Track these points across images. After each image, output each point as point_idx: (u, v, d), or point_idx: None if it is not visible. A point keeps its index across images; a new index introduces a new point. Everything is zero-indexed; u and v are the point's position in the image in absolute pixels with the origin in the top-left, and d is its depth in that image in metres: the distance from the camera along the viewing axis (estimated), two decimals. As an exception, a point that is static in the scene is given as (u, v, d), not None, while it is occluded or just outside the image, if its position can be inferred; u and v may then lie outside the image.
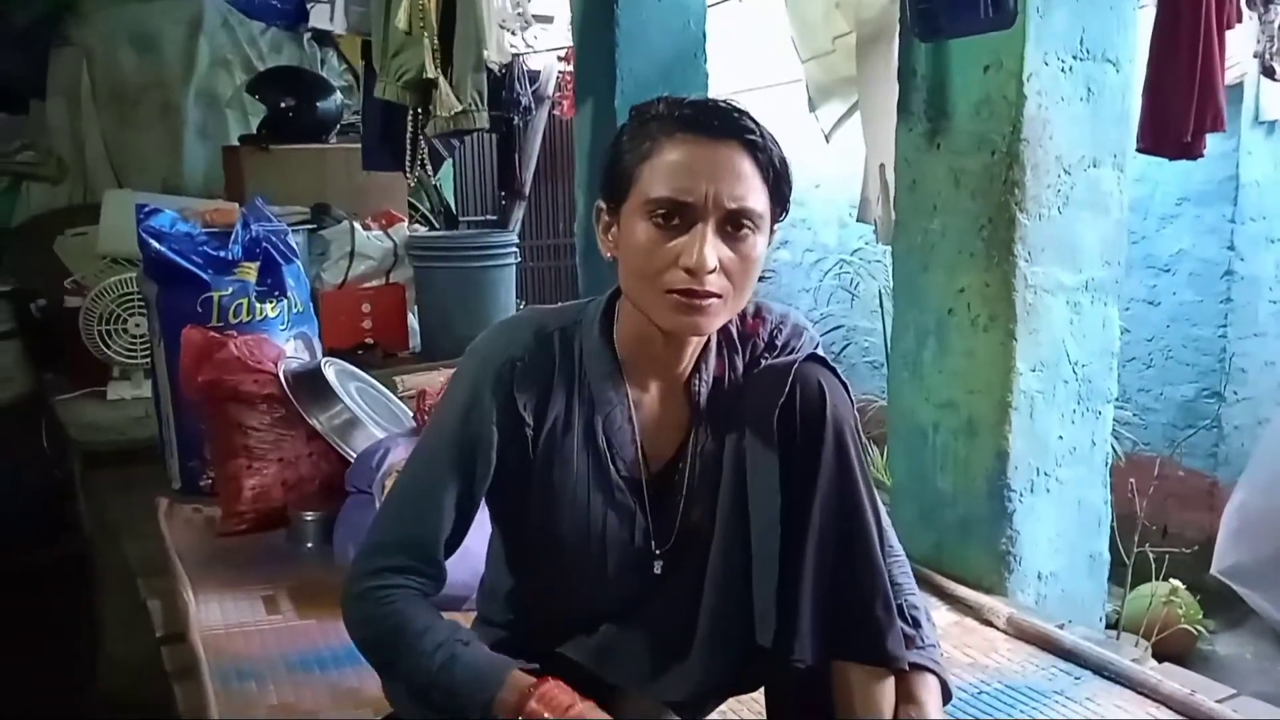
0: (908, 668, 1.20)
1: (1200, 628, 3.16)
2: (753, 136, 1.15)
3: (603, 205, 1.22)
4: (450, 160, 5.65)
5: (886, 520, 1.30)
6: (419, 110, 3.30)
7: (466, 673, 1.15)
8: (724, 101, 1.18)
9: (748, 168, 1.14)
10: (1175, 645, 2.90)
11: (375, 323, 3.87)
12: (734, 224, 1.14)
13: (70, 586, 3.03)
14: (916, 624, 1.25)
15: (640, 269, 1.15)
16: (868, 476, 1.22)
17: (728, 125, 1.14)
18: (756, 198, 1.15)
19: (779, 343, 1.31)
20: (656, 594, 1.29)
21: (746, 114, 1.17)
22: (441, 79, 3.18)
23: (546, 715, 1.11)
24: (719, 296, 1.14)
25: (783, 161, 1.18)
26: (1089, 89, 2.04)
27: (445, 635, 1.16)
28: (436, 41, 3.21)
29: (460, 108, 3.17)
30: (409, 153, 3.34)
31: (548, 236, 6.78)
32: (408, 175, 3.44)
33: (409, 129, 3.31)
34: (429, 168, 3.46)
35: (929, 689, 1.21)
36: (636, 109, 1.21)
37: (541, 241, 6.76)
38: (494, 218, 6.31)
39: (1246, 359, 3.73)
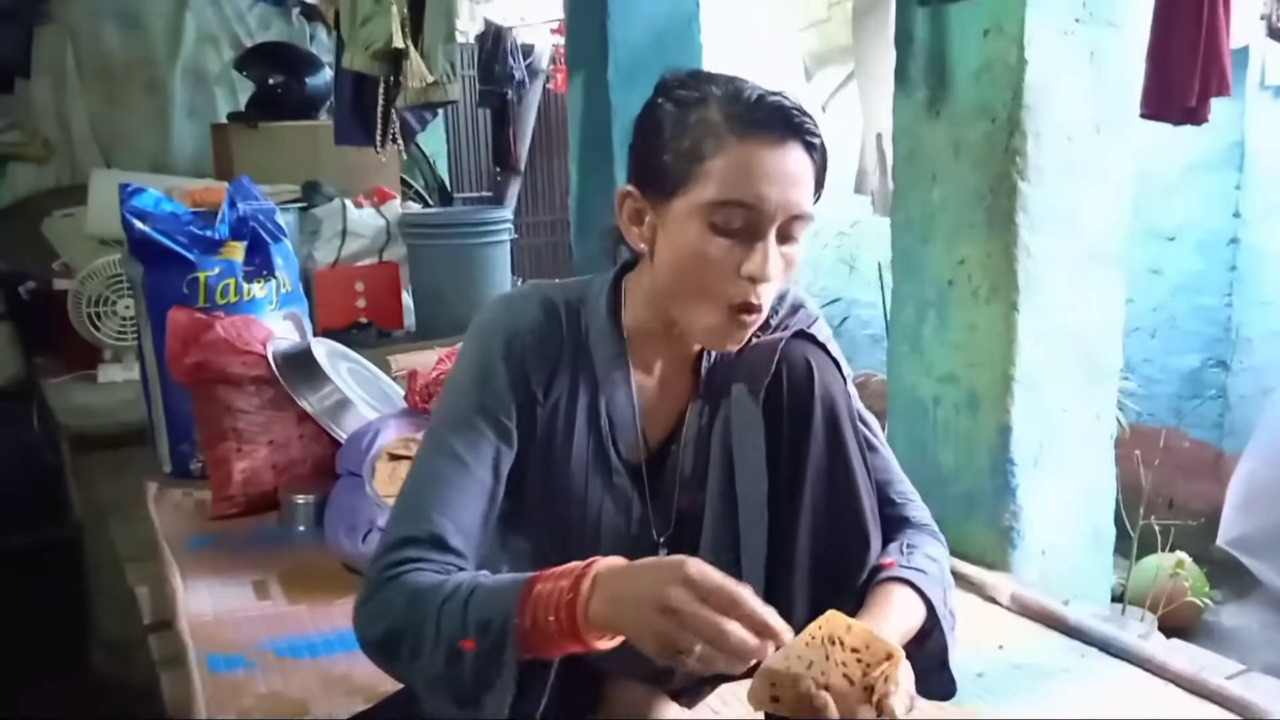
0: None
1: (1206, 600, 3.13)
2: (811, 137, 1.09)
3: (634, 192, 1.15)
4: (442, 135, 5.59)
5: (897, 472, 1.27)
6: (389, 81, 3.21)
7: (498, 587, 1.02)
8: (775, 94, 1.10)
9: (806, 170, 1.09)
10: (1181, 617, 2.87)
11: (369, 301, 3.83)
12: (789, 229, 1.10)
13: (62, 571, 3.00)
14: (906, 552, 1.19)
15: (696, 276, 1.09)
16: (863, 451, 1.18)
17: (790, 125, 1.08)
18: (810, 199, 1.10)
19: (773, 321, 1.27)
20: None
21: (800, 107, 1.10)
22: (412, 49, 3.10)
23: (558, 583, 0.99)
24: (761, 311, 1.11)
25: (825, 152, 1.13)
26: (1091, 53, 1.98)
27: (468, 576, 1.06)
28: (406, 10, 3.13)
29: (431, 79, 3.10)
30: (380, 126, 3.25)
31: (544, 213, 6.73)
32: (378, 150, 3.37)
33: (380, 101, 3.23)
34: (400, 142, 3.38)
35: (888, 597, 1.13)
36: (669, 91, 1.13)
37: (538, 218, 6.70)
38: (489, 194, 6.26)
39: (1252, 328, 3.68)
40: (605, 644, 0.98)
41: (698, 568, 0.92)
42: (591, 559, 0.99)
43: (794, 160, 1.08)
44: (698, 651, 0.90)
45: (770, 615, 0.92)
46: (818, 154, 1.10)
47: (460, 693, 1.01)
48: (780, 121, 1.08)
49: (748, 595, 0.91)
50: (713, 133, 1.07)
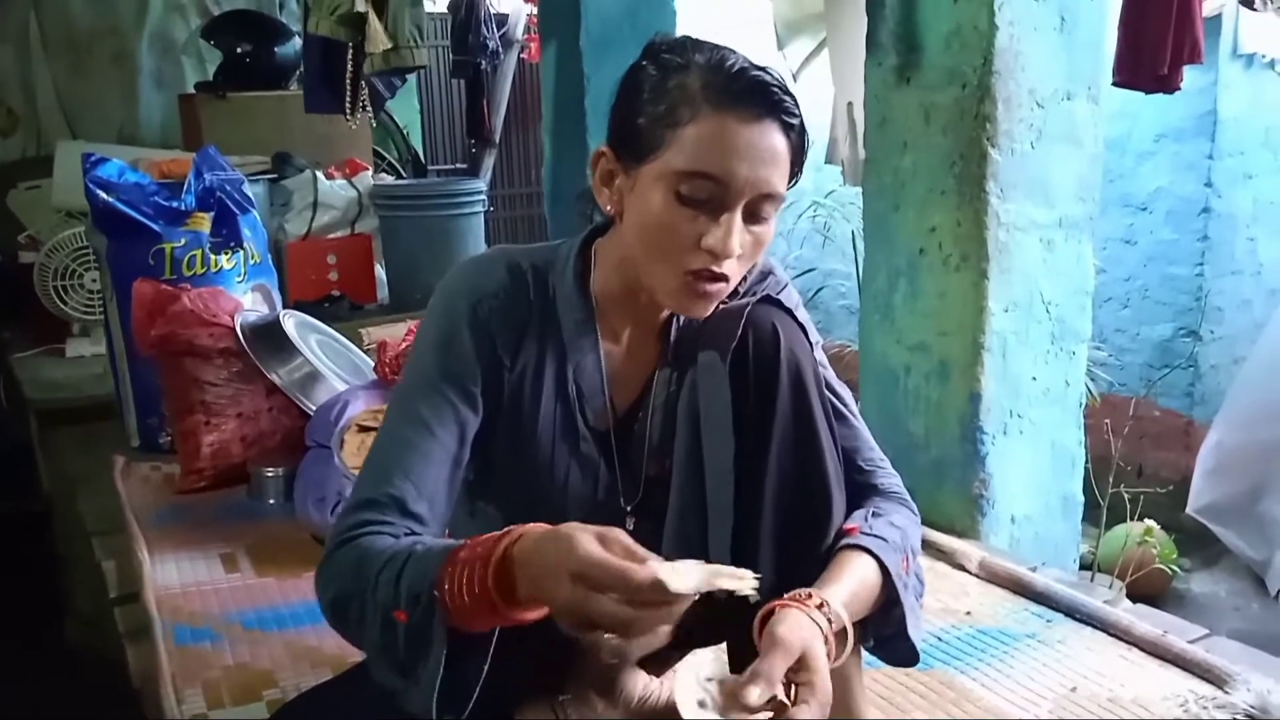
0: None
1: (1175, 567, 3.16)
2: (789, 118, 1.07)
3: (608, 153, 1.13)
4: (416, 106, 5.54)
5: (866, 440, 1.25)
6: (357, 47, 3.16)
7: (429, 554, 1.00)
8: (759, 69, 1.08)
9: (781, 149, 1.07)
10: (1150, 585, 2.90)
11: (342, 274, 3.79)
12: (758, 208, 1.08)
13: (32, 545, 2.98)
14: (871, 519, 1.18)
15: (658, 243, 1.08)
16: (828, 416, 1.17)
17: (768, 102, 1.06)
18: (783, 180, 1.08)
19: (741, 288, 1.26)
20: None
21: (782, 85, 1.08)
22: (372, 14, 3.05)
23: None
24: (728, 280, 1.09)
25: (805, 134, 1.11)
26: (1062, 18, 1.97)
27: (407, 543, 1.04)
28: (367, -27, 3.08)
29: (390, 44, 3.04)
30: (349, 93, 3.20)
31: (519, 185, 6.68)
32: (348, 118, 3.32)
33: (349, 68, 3.18)
34: (370, 109, 3.33)
35: (843, 564, 1.12)
36: (655, 54, 1.10)
37: (513, 190, 6.66)
38: (464, 166, 6.21)
39: (1223, 297, 3.70)
40: (532, 616, 0.96)
41: (581, 558, 0.88)
42: (515, 527, 0.97)
43: (769, 138, 1.06)
44: (610, 639, 0.89)
45: (667, 574, 0.88)
46: (795, 134, 1.08)
47: (397, 664, 1.00)
48: (759, 97, 1.05)
49: (637, 571, 0.87)
50: (688, 101, 1.05)
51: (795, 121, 1.08)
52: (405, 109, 5.26)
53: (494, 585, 0.93)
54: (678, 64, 1.08)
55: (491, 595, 0.93)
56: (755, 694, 0.95)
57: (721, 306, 1.18)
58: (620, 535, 0.92)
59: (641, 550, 0.91)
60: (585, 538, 0.90)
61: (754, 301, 1.18)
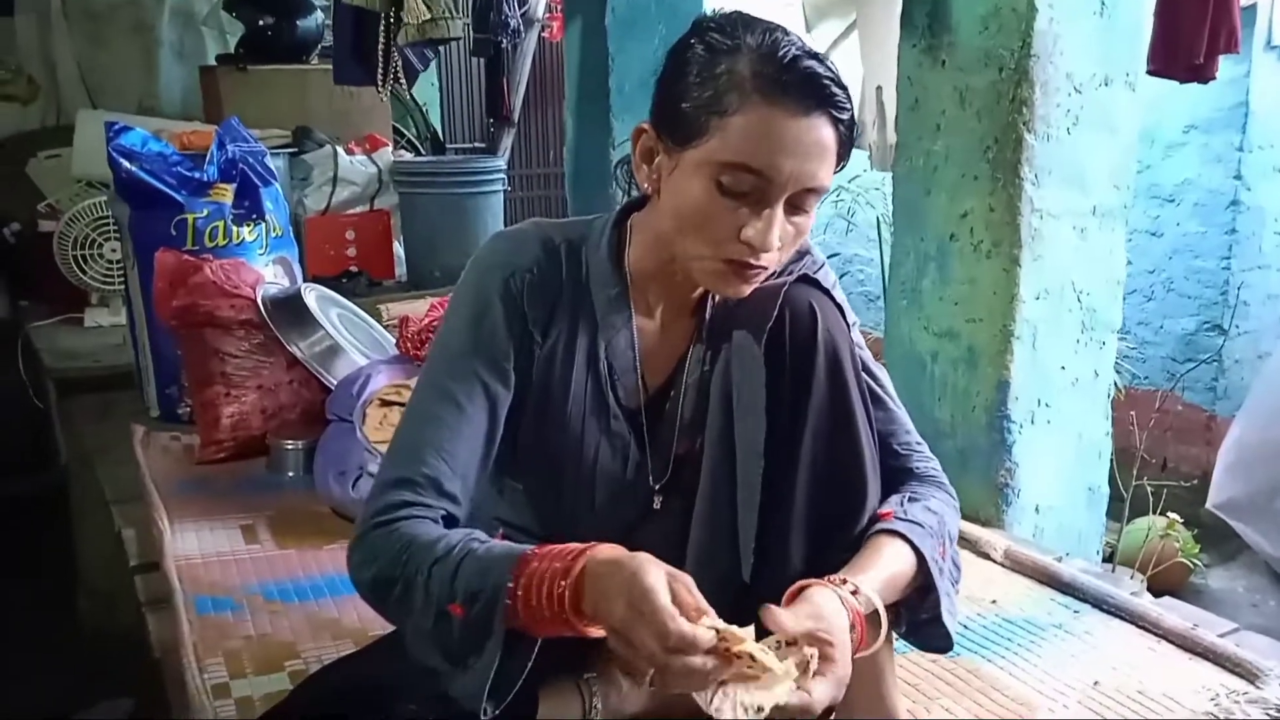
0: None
1: (1194, 561, 3.14)
2: (839, 111, 1.04)
3: (650, 130, 1.10)
4: (435, 83, 5.51)
5: (902, 423, 1.23)
6: (390, 18, 3.13)
7: (490, 556, 1.00)
8: (811, 58, 1.04)
9: (829, 143, 1.04)
10: (1169, 579, 2.88)
11: (360, 250, 3.78)
12: (801, 200, 1.05)
13: (49, 515, 2.98)
14: (906, 504, 1.16)
15: (696, 230, 1.06)
16: (864, 398, 1.15)
17: (819, 95, 1.02)
18: (829, 173, 1.06)
19: (777, 268, 1.24)
20: (646, 529, 1.23)
21: (835, 77, 1.05)
22: None
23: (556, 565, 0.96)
24: (766, 269, 1.07)
25: (854, 125, 1.08)
26: (1102, 2, 1.94)
27: (460, 537, 1.03)
28: (405, -57, 3.06)
29: (430, 15, 3.01)
30: (381, 64, 3.17)
31: (537, 165, 6.65)
32: (380, 89, 3.30)
33: (381, 39, 3.15)
34: (403, 81, 3.30)
35: (876, 550, 1.10)
36: (704, 33, 1.07)
37: (531, 170, 6.63)
38: (482, 145, 6.18)
39: (1249, 291, 3.67)
40: (598, 632, 0.95)
41: (640, 585, 0.89)
42: (590, 544, 0.97)
43: (817, 132, 1.03)
44: (649, 678, 0.91)
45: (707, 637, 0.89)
46: (844, 127, 1.05)
47: (448, 652, 1.00)
48: (810, 90, 1.02)
49: (674, 619, 0.88)
50: (737, 88, 1.02)
51: (846, 115, 1.05)
52: (424, 86, 5.23)
53: (570, 600, 0.93)
54: (727, 46, 1.04)
55: (567, 610, 0.94)
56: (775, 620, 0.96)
57: (758, 287, 1.17)
58: (687, 581, 0.92)
59: (703, 603, 0.91)
60: (653, 568, 0.91)
61: (791, 281, 1.15)
